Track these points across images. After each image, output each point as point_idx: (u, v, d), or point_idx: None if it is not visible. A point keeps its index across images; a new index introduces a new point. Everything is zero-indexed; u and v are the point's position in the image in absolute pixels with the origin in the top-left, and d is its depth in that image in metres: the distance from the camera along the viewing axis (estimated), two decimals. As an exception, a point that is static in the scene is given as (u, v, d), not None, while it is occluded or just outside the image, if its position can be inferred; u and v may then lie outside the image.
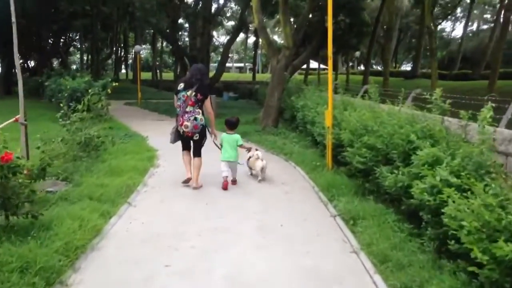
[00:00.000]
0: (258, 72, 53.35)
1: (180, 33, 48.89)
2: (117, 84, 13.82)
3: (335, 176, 7.08)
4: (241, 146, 7.15)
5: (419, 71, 34.08)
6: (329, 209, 5.76)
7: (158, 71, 43.74)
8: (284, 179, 7.43)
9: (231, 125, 7.15)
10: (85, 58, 50.14)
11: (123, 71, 62.05)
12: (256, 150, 7.66)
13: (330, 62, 8.02)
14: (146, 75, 49.29)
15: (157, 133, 12.20)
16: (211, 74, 27.51)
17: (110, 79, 14.07)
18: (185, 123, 6.46)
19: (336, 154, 7.87)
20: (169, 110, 19.17)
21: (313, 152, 9.40)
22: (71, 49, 53.67)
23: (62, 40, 53.49)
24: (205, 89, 6.55)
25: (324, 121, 8.40)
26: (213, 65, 52.90)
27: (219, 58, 35.87)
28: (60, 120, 8.63)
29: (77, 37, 49.70)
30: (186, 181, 6.72)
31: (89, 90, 12.52)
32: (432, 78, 22.01)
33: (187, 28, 32.97)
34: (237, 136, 7.10)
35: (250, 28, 56.81)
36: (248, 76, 51.09)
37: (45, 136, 7.90)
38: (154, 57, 47.24)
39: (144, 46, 67.41)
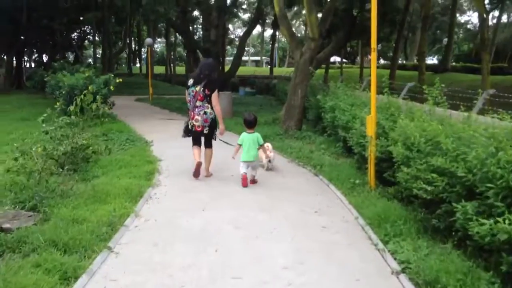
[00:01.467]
0: (275, 66, 51.49)
1: (195, 26, 47.50)
2: (121, 80, 12.37)
3: (384, 203, 5.45)
4: (261, 146, 6.89)
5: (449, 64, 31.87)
6: (387, 259, 4.11)
7: (171, 65, 42.20)
8: (316, 203, 5.82)
9: (250, 124, 6.90)
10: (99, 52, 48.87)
11: (138, 65, 60.83)
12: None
13: (373, 55, 6.34)
14: (161, 69, 47.94)
15: (164, 136, 10.70)
16: (226, 68, 25.95)
17: (112, 75, 12.55)
18: (196, 117, 6.74)
19: (380, 170, 6.24)
20: (181, 108, 17.64)
21: (347, 163, 7.76)
22: (86, 43, 52.58)
23: (76, 33, 52.62)
24: (213, 84, 6.71)
25: (363, 128, 6.76)
26: (228, 59, 51.32)
27: (235, 52, 34.46)
28: (43, 125, 7.12)
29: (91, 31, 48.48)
30: (197, 169, 6.77)
31: (89, 88, 11.12)
32: (484, 73, 19.68)
33: (201, 20, 31.40)
34: (257, 135, 6.87)
35: (267, 21, 55.08)
36: (265, 70, 49.38)
37: (26, 145, 6.39)
38: (168, 50, 45.78)
39: (158, 39, 66.24)
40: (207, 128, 6.78)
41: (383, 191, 6.08)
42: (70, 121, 7.36)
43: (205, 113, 6.71)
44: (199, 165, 6.76)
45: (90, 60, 54.00)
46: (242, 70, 31.81)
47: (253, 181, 6.73)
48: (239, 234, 4.68)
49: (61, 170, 6.33)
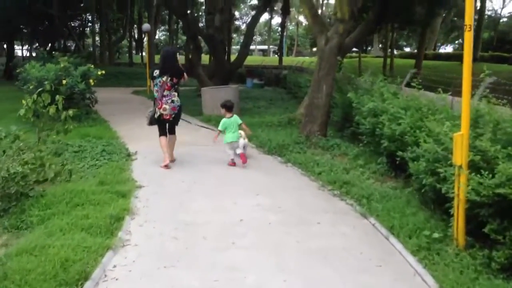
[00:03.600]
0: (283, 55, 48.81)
1: (200, 13, 44.86)
2: (103, 72, 10.11)
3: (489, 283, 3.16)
4: (241, 124, 7.30)
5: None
6: None
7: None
8: (378, 280, 3.51)
9: (229, 108, 7.34)
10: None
11: (142, 54, 58.00)
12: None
13: (468, 35, 3.96)
14: (163, 59, 45.38)
15: (153, 143, 8.40)
16: (232, 58, 23.50)
17: (92, 65, 10.21)
18: (164, 105, 6.90)
19: (473, 218, 3.95)
20: (184, 103, 15.33)
21: (405, 195, 5.41)
22: (87, 30, 50.06)
23: (77, 21, 50.20)
24: (178, 71, 6.98)
25: (437, 148, 4.45)
26: (234, 48, 48.62)
27: (241, 40, 31.90)
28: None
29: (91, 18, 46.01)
30: (166, 163, 6.87)
31: (63, 81, 8.82)
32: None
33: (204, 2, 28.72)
34: (235, 117, 7.29)
35: (275, 8, 52.22)
36: (273, 60, 46.72)
37: None
38: (170, 38, 43.24)
39: (162, 27, 63.40)
40: (173, 116, 7.02)
41: (480, 254, 3.80)
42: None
43: (172, 101, 6.94)
44: (168, 165, 6.87)
45: (91, 49, 51.72)
46: (249, 60, 29.23)
47: (245, 158, 7.06)
48: None
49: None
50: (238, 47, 32.77)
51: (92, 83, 9.76)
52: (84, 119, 9.84)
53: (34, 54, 44.29)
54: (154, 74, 6.97)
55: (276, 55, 71.02)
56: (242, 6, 59.12)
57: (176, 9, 17.90)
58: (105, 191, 5.23)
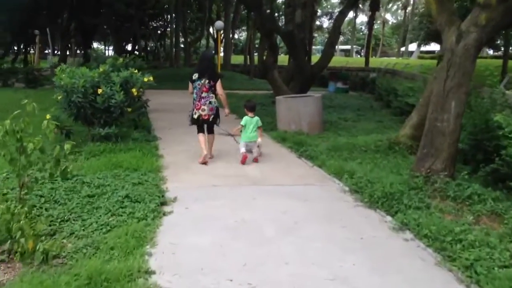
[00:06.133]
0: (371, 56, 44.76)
1: (279, 12, 42.36)
2: (151, 78, 7.99)
3: None
4: (260, 128, 7.43)
5: None
6: None
7: (250, 54, 37.40)
8: None
9: (251, 108, 7.45)
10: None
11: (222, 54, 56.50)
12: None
13: None
14: (241, 59, 43.50)
15: (205, 181, 6.07)
16: (314, 59, 20.73)
17: (136, 70, 8.04)
18: (202, 107, 7.13)
19: None
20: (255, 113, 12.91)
21: None
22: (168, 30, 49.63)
23: (159, 22, 50.17)
24: (215, 75, 7.26)
25: None
26: (314, 48, 45.49)
27: (323, 40, 28.84)
28: None
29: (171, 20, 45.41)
30: (204, 160, 7.09)
31: (99, 90, 6.81)
32: None
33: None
34: (257, 119, 7.41)
35: (360, 6, 48.33)
36: (357, 60, 43.10)
37: None
38: (248, 37, 41.22)
39: (244, 28, 61.79)
40: (212, 116, 7.21)
41: None
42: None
43: (210, 102, 7.15)
44: (205, 158, 7.11)
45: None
46: (332, 61, 26.35)
47: (257, 159, 7.33)
48: None
49: None
50: (319, 47, 29.97)
51: (136, 93, 7.55)
52: (124, 138, 7.70)
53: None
54: (193, 77, 7.21)
55: (359, 56, 66.85)
56: (324, 3, 55.84)
57: (249, 1, 15.44)
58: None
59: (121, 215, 4.64)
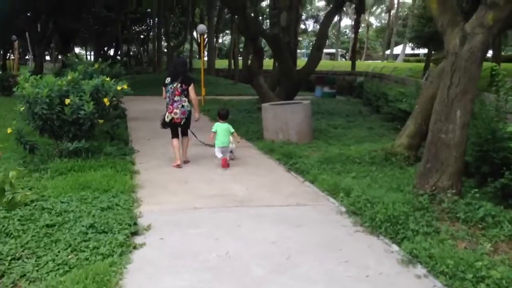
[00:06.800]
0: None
1: (264, 14, 41.79)
2: (124, 87, 7.30)
3: None
4: (233, 134, 7.53)
5: None
6: None
7: (234, 59, 36.72)
8: None
9: (223, 117, 7.64)
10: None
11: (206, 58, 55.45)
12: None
13: None
14: (225, 63, 42.77)
15: (185, 203, 5.37)
16: (301, 63, 20.11)
17: (107, 77, 7.31)
18: (175, 110, 7.17)
19: None
20: (242, 121, 12.21)
21: None
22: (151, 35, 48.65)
23: (142, 26, 49.17)
24: (188, 79, 7.36)
25: None
26: (299, 51, 44.96)
27: (308, 44, 28.28)
28: None
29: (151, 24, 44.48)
30: (178, 166, 7.16)
31: (66, 101, 6.06)
32: None
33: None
34: (227, 125, 7.53)
35: (344, 9, 48.04)
36: (343, 64, 42.74)
37: None
38: (232, 41, 40.54)
39: (227, 31, 60.95)
40: (184, 120, 7.31)
41: None
42: None
43: (182, 106, 7.20)
44: (179, 166, 7.19)
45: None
46: (318, 65, 25.87)
47: (230, 161, 7.46)
48: None
49: None
50: (304, 51, 29.39)
51: (107, 103, 6.83)
52: (95, 153, 6.96)
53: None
54: (166, 82, 7.31)
55: (344, 59, 66.65)
56: (308, 7, 55.44)
57: (231, 2, 14.72)
58: None
59: (84, 251, 3.92)
